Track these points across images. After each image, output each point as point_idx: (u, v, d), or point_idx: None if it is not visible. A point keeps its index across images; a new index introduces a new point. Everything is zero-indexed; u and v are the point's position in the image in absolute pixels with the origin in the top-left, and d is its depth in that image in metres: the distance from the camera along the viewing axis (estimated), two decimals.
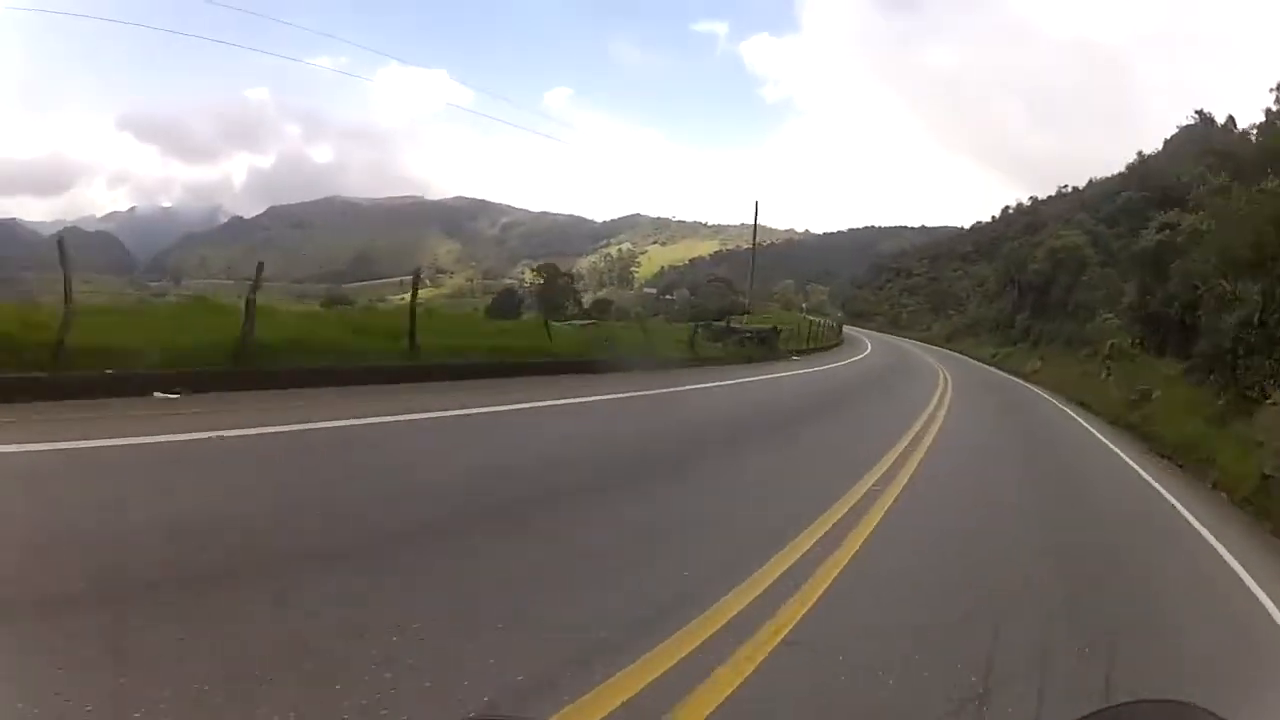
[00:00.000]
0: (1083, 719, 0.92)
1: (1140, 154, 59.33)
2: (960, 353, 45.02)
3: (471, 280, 67.79)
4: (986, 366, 37.22)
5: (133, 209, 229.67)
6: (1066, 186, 75.79)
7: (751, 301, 45.79)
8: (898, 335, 61.00)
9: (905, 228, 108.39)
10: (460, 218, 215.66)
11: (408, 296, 11.01)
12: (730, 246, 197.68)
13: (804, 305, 73.67)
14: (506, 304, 53.36)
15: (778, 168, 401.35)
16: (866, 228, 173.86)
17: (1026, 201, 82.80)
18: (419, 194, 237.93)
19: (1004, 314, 46.08)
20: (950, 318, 62.36)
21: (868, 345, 41.32)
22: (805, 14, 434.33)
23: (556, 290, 54.66)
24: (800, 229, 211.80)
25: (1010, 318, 44.49)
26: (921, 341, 54.75)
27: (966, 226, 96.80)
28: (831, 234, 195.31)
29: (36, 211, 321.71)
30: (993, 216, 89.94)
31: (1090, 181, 70.15)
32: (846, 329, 55.22)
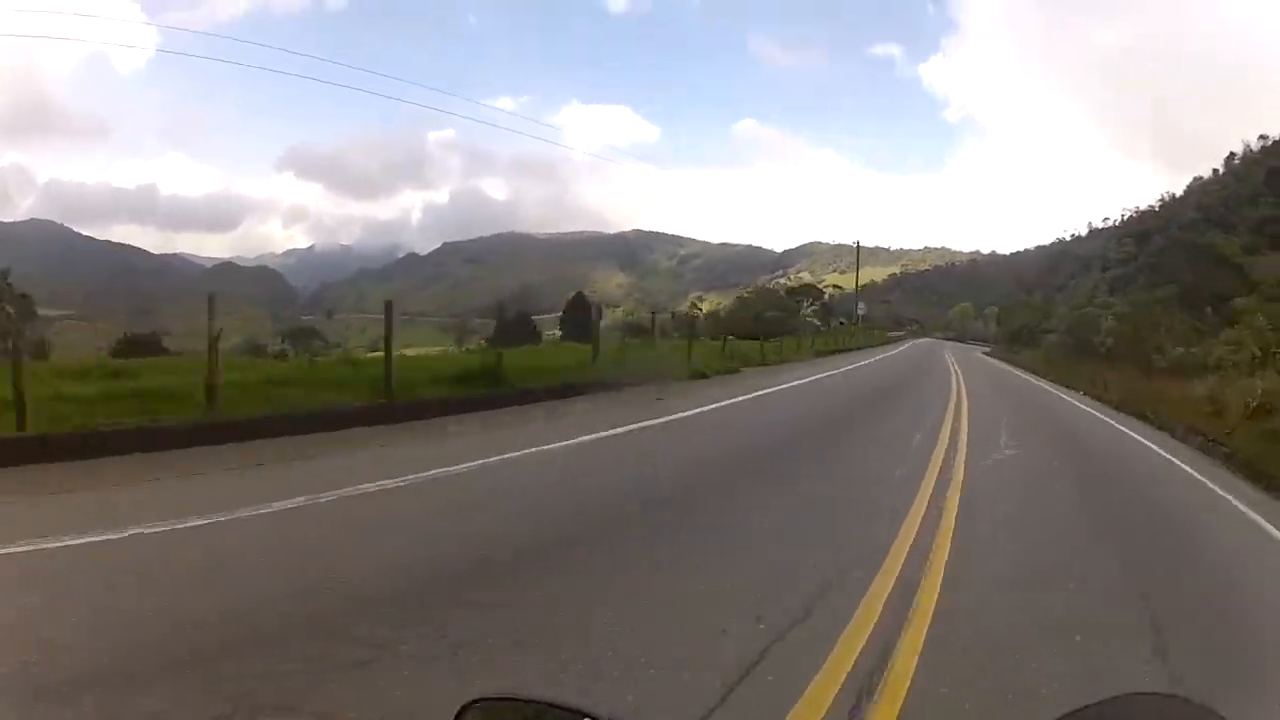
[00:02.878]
0: (1076, 711, 0.90)
1: None
2: None
3: (632, 313, 71.02)
4: None
5: (312, 246, 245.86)
6: None
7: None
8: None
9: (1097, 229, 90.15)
10: (637, 250, 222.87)
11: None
12: (912, 270, 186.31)
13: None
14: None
15: (959, 188, 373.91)
16: (1055, 242, 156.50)
17: (1253, 144, 56.82)
18: (596, 228, 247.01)
19: None
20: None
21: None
22: (974, 27, 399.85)
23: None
24: (986, 249, 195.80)
25: None
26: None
27: (1179, 192, 63.80)
28: (1019, 253, 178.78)
29: (211, 247, 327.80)
30: (1214, 170, 60.52)
31: None
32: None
